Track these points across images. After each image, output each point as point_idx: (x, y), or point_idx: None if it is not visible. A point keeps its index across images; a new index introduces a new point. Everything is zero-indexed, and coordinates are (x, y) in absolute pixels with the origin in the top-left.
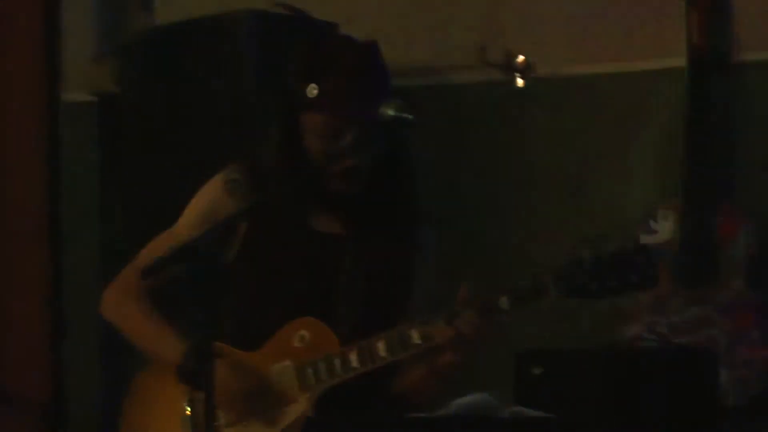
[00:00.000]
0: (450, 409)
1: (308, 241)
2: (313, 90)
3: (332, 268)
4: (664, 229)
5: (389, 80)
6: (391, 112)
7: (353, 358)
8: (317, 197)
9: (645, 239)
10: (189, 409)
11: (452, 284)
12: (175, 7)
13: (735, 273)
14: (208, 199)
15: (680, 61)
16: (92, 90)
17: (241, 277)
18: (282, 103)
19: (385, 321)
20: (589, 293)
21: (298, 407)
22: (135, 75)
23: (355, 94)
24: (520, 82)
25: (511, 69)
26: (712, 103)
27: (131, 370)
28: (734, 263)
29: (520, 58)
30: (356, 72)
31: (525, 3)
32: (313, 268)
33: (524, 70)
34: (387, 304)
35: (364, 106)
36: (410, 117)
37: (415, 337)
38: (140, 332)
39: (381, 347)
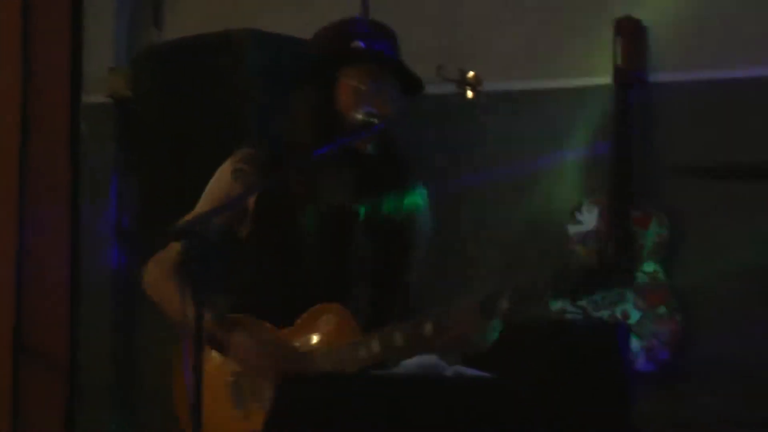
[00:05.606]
0: (400, 368)
1: (319, 214)
2: (358, 45)
3: (344, 241)
4: (589, 220)
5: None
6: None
7: (375, 347)
8: (334, 153)
9: (573, 228)
10: (233, 378)
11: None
12: (182, 25)
13: (647, 257)
14: (219, 187)
15: (607, 79)
16: (109, 94)
17: (256, 253)
18: (316, 66)
19: (395, 299)
20: (576, 296)
21: None
22: (146, 82)
23: (392, 50)
24: (470, 94)
25: (463, 83)
26: (632, 115)
27: (138, 330)
28: (646, 249)
29: (471, 74)
30: (391, 38)
31: (476, 29)
32: (324, 241)
33: (474, 85)
34: (396, 280)
35: (398, 59)
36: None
37: (428, 329)
38: (171, 307)
39: (398, 338)
